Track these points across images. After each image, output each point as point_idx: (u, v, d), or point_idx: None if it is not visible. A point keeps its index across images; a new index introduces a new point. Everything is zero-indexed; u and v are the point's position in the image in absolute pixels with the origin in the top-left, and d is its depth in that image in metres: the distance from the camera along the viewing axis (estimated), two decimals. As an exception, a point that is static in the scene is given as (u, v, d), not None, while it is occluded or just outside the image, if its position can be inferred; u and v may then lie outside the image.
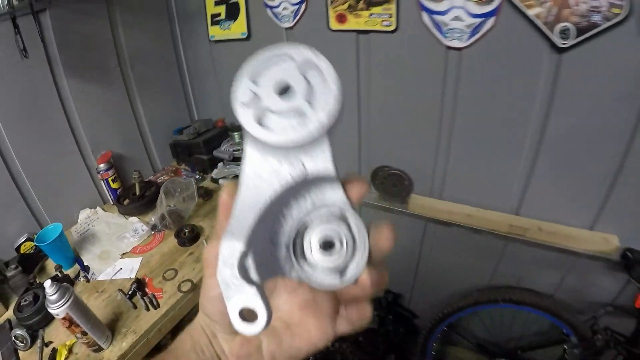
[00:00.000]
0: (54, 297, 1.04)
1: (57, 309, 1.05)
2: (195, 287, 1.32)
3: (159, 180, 1.90)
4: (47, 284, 1.05)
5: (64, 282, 1.21)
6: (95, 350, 1.15)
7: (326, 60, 0.28)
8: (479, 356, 1.91)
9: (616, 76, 1.15)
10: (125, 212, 1.73)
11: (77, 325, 1.09)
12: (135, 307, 1.28)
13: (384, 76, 1.56)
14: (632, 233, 1.34)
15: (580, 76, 1.20)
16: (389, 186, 1.71)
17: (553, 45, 1.18)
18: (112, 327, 1.22)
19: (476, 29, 1.28)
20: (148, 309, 1.27)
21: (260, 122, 0.29)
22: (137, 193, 1.75)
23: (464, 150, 1.54)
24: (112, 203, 1.84)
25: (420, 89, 1.50)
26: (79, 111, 1.68)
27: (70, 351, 1.17)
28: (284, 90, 0.29)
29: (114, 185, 1.80)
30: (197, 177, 1.89)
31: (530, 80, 1.28)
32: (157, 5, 1.94)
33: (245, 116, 0.29)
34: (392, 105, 1.61)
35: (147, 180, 1.89)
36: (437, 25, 1.33)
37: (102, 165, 1.76)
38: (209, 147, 1.92)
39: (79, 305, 1.09)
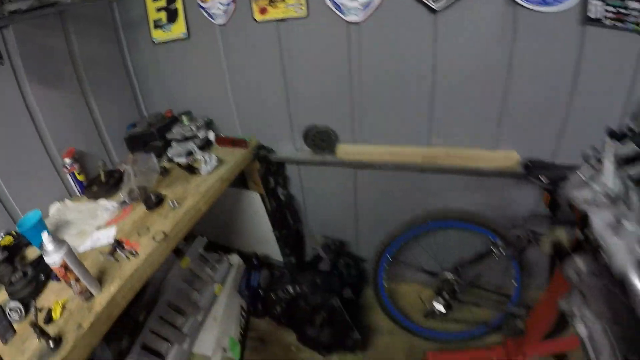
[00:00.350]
0: (52, 247, 1.27)
1: (55, 256, 1.27)
2: (167, 236, 1.67)
3: (120, 169, 2.23)
4: (45, 236, 1.27)
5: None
6: (87, 299, 1.38)
7: None
8: (427, 285, 2.37)
9: (484, 22, 1.69)
10: (95, 197, 2.05)
11: (72, 272, 1.31)
12: (117, 260, 1.59)
13: (302, 52, 2.06)
14: (527, 147, 1.88)
15: (455, 28, 1.73)
16: (318, 141, 2.21)
17: (430, 8, 1.71)
18: (99, 280, 1.45)
19: (368, 5, 1.79)
20: (129, 259, 1.59)
21: None
22: (103, 180, 2.08)
23: (375, 100, 2.06)
24: (79, 195, 2.15)
25: (332, 58, 2.01)
26: (43, 115, 2.01)
27: (63, 307, 1.37)
28: None
29: (80, 178, 2.13)
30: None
31: (416, 36, 1.81)
32: (104, 16, 2.35)
33: None
34: (312, 75, 2.11)
35: (109, 170, 2.22)
36: (338, 6, 1.84)
37: (67, 160, 2.08)
38: (162, 134, 2.33)
39: (72, 254, 1.32)
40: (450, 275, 2.12)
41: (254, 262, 2.80)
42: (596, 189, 1.11)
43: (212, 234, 2.70)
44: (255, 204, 2.56)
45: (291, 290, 2.35)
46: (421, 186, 2.21)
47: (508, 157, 1.89)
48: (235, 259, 2.78)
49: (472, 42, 1.75)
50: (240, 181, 2.53)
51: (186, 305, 2.29)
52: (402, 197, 2.30)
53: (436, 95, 1.91)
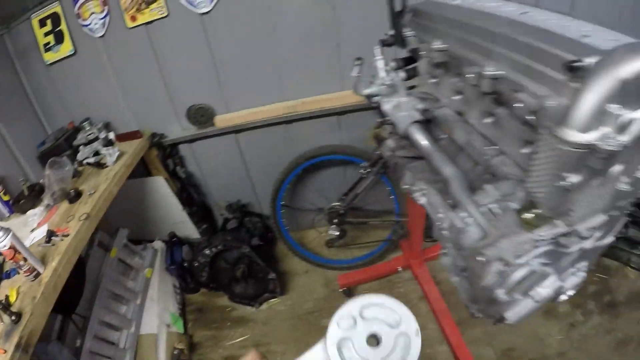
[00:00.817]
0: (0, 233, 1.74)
1: (4, 240, 1.73)
2: (90, 215, 2.34)
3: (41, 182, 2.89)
4: (-9, 226, 1.84)
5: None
6: (35, 276, 1.88)
7: (419, 343, 0.48)
8: (324, 224, 3.13)
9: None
10: (23, 210, 2.65)
11: (19, 253, 1.78)
12: (53, 245, 2.17)
13: (169, 43, 2.81)
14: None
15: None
16: (199, 117, 2.98)
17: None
18: (43, 262, 1.98)
19: (212, -3, 2.52)
20: (62, 240, 2.18)
21: (340, 347, 0.46)
22: (27, 193, 2.74)
23: (236, 72, 2.84)
24: (8, 215, 2.74)
25: (194, 45, 2.76)
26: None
27: (18, 293, 1.83)
28: (374, 339, 0.48)
29: (5, 198, 2.71)
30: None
31: (257, 14, 2.57)
32: (-1, 50, 2.99)
33: (333, 334, 0.47)
34: (182, 62, 2.89)
35: (31, 184, 2.88)
36: (190, 2, 2.56)
37: (-9, 186, 2.66)
38: (69, 143, 3.00)
39: (17, 237, 1.81)
40: (334, 204, 2.85)
41: (173, 240, 3.48)
42: (378, 83, 1.60)
43: (132, 231, 3.36)
44: (162, 188, 3.26)
45: (208, 252, 3.04)
46: (293, 136, 3.00)
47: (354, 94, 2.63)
48: (158, 244, 3.49)
49: (302, 12, 2.54)
50: (146, 171, 3.24)
51: (124, 293, 2.94)
52: (280, 150, 3.07)
53: (282, 56, 2.71)
